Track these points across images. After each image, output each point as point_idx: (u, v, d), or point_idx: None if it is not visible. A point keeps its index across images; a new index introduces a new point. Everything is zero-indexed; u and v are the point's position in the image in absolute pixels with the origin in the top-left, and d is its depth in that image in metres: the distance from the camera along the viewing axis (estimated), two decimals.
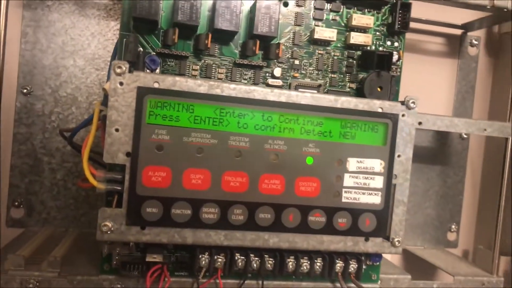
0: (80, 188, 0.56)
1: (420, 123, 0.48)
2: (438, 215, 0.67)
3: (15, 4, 0.53)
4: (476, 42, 0.67)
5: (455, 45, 0.68)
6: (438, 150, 0.67)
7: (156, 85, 0.38)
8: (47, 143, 0.55)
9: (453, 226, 0.68)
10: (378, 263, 0.48)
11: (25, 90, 0.54)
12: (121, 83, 0.38)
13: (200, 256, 0.42)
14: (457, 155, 0.68)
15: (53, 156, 0.55)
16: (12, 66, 0.53)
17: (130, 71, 0.38)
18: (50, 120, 0.55)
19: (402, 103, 0.43)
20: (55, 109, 0.55)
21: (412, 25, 0.48)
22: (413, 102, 0.43)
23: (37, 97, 0.55)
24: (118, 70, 0.37)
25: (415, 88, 0.64)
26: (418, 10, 0.46)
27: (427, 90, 0.67)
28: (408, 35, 0.50)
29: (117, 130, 0.38)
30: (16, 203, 0.55)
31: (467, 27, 0.66)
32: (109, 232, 0.38)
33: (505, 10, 0.55)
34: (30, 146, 0.55)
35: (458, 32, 0.67)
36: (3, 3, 0.42)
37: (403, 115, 0.43)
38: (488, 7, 0.55)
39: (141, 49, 0.42)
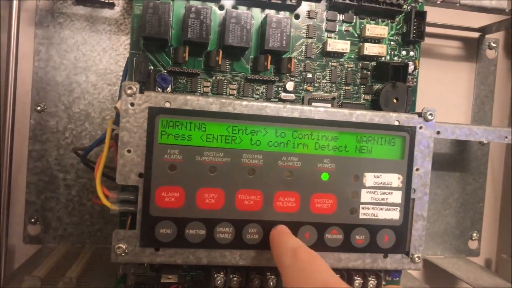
0: (95, 204, 0.56)
1: (438, 133, 0.46)
2: (459, 223, 0.66)
3: (28, 22, 0.53)
4: (494, 45, 0.65)
5: (472, 49, 0.66)
6: (457, 157, 0.65)
7: (167, 105, 0.38)
8: (61, 160, 0.55)
9: (474, 234, 0.66)
10: (397, 279, 0.47)
11: (38, 108, 0.54)
12: (132, 104, 0.37)
13: (215, 276, 0.41)
14: (477, 161, 0.66)
15: (68, 172, 0.56)
16: (26, 84, 0.53)
17: (141, 91, 0.37)
18: (64, 136, 0.55)
19: (419, 115, 0.42)
20: (69, 126, 0.55)
21: (427, 29, 0.46)
22: (431, 114, 0.42)
23: (51, 114, 0.55)
24: (129, 91, 0.37)
25: (432, 94, 0.63)
26: (433, 14, 0.45)
27: (445, 95, 0.65)
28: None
29: (129, 151, 0.37)
30: (33, 220, 0.55)
31: (484, 30, 0.64)
32: (123, 254, 0.38)
33: None
34: (45, 163, 0.55)
35: (476, 35, 0.65)
36: (14, 22, 0.42)
37: (420, 128, 0.42)
38: (507, 10, 0.53)
39: (152, 67, 0.41)
